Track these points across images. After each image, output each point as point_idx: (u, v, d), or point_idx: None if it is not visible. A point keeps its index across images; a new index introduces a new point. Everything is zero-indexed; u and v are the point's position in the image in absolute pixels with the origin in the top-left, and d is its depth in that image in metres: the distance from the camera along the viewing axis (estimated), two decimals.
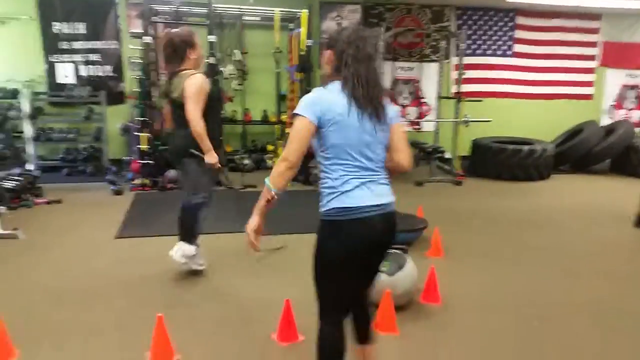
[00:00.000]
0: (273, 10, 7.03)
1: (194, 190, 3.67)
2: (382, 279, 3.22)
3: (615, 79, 9.59)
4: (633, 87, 9.68)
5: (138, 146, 6.67)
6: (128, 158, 7.57)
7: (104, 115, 7.46)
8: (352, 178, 1.99)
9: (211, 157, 3.55)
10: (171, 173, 6.87)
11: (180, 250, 3.74)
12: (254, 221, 2.08)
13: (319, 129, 1.97)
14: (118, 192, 6.35)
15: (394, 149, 2.10)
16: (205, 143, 3.49)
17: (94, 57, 7.78)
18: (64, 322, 3.12)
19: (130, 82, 7.62)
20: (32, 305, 3.34)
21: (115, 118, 7.73)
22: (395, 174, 2.14)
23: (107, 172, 6.93)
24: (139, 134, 6.68)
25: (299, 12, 6.94)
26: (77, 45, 7.70)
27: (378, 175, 2.05)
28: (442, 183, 7.39)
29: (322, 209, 2.04)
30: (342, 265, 2.03)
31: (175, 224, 4.79)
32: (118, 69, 7.88)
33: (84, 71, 7.78)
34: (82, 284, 3.68)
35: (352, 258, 2.03)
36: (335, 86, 2.02)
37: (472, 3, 8.65)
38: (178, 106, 3.49)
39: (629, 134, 8.14)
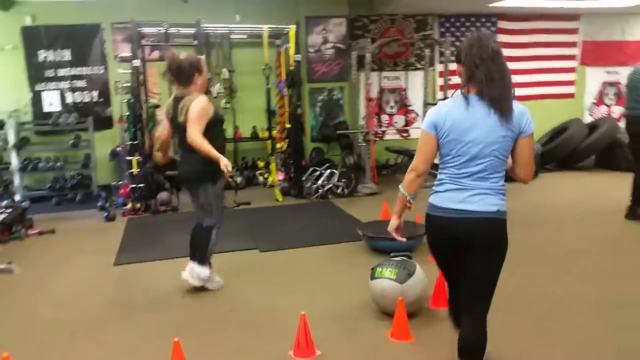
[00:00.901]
0: (260, 28, 7.05)
1: (206, 213, 3.72)
2: (393, 287, 3.21)
3: (595, 77, 9.76)
4: (612, 84, 9.85)
5: (130, 170, 6.59)
6: (117, 183, 7.49)
7: (92, 142, 7.42)
8: (448, 182, 2.23)
9: (223, 162, 3.48)
10: (163, 195, 6.80)
11: (195, 273, 3.76)
12: (394, 222, 2.45)
13: (435, 138, 2.23)
14: (110, 219, 6.24)
15: (515, 162, 2.26)
16: (212, 153, 3.47)
17: (80, 83, 7.70)
18: (74, 356, 3.04)
19: (117, 107, 7.56)
20: (39, 341, 3.24)
21: (103, 143, 7.66)
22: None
23: (98, 198, 6.84)
24: (130, 157, 6.61)
25: (286, 27, 6.96)
26: (63, 72, 7.63)
27: (480, 184, 2.19)
28: None
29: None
30: (432, 250, 2.42)
31: (174, 246, 4.77)
32: (105, 94, 7.81)
33: (70, 98, 7.70)
34: (88, 314, 3.59)
35: (436, 246, 2.39)
36: (457, 96, 2.22)
37: (453, 10, 8.76)
38: (185, 130, 3.51)
39: (613, 130, 8.25)
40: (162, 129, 3.86)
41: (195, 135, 3.44)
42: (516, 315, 3.33)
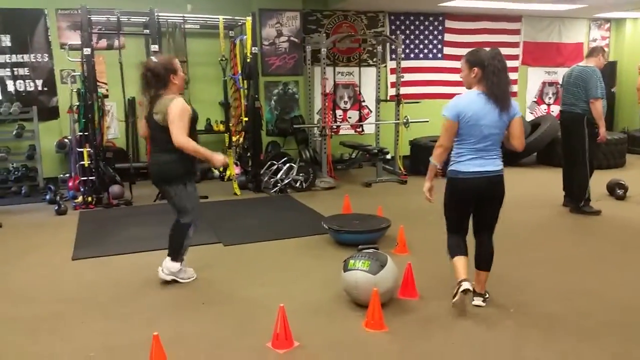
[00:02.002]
0: (215, 18, 6.95)
1: (181, 214, 3.76)
2: (367, 278, 3.30)
3: (535, 77, 10.30)
4: (552, 84, 10.42)
5: (81, 162, 6.35)
6: (65, 175, 7.21)
7: (37, 132, 7.12)
8: (468, 154, 3.20)
9: (217, 160, 3.66)
10: (115, 189, 6.61)
11: (165, 268, 3.80)
12: (427, 184, 3.42)
13: (457, 123, 3.15)
14: (62, 212, 6.02)
15: (511, 135, 3.23)
16: (203, 153, 3.60)
17: (22, 71, 7.34)
18: (43, 354, 2.94)
19: (64, 96, 7.25)
20: (1, 341, 3.11)
21: (49, 134, 7.38)
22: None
23: (48, 191, 6.56)
24: (80, 149, 6.38)
25: (240, 19, 6.91)
26: (2, 58, 7.24)
27: (489, 153, 3.20)
28: (389, 183, 7.60)
29: (448, 170, 3.30)
30: (451, 204, 3.35)
31: (132, 240, 4.86)
32: (50, 83, 7.48)
33: (11, 86, 7.32)
34: (53, 311, 3.47)
35: (457, 201, 3.31)
36: (473, 92, 3.16)
37: (404, 8, 8.98)
38: (160, 130, 3.52)
39: (554, 128, 8.70)
40: (141, 128, 3.85)
41: (182, 137, 3.46)
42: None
